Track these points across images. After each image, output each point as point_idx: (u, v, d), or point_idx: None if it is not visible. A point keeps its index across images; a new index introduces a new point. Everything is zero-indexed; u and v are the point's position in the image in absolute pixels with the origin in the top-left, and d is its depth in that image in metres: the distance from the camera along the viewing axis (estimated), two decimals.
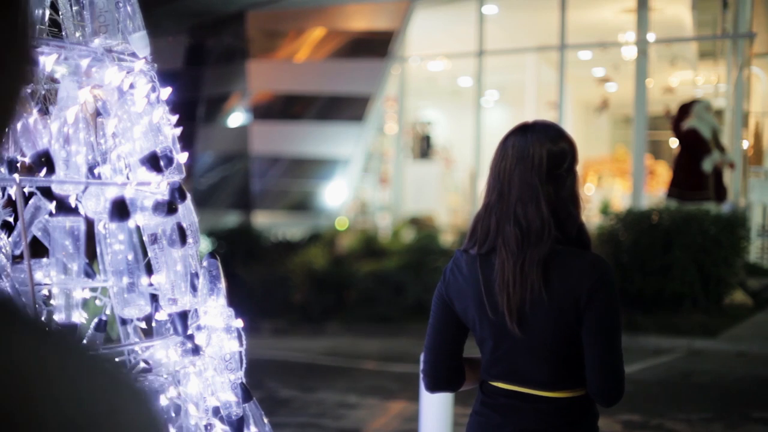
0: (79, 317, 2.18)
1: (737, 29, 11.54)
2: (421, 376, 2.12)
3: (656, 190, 13.96)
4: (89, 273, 2.29)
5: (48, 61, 2.07)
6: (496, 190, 1.99)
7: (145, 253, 2.23)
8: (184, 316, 2.23)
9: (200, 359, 2.22)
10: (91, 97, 2.19)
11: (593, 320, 1.91)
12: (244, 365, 2.27)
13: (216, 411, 2.23)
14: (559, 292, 1.93)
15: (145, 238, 2.21)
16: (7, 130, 0.54)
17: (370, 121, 13.39)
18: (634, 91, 11.20)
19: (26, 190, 2.13)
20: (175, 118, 2.29)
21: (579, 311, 1.91)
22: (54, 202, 2.14)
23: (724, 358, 7.61)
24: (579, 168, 2.07)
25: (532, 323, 1.94)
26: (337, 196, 13.37)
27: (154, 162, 2.16)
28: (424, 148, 16.70)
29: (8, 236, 2.14)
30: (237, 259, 10.64)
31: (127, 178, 2.18)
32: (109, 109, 2.19)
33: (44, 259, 2.20)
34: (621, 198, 15.01)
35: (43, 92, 2.14)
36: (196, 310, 2.24)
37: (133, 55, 2.23)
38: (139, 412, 0.50)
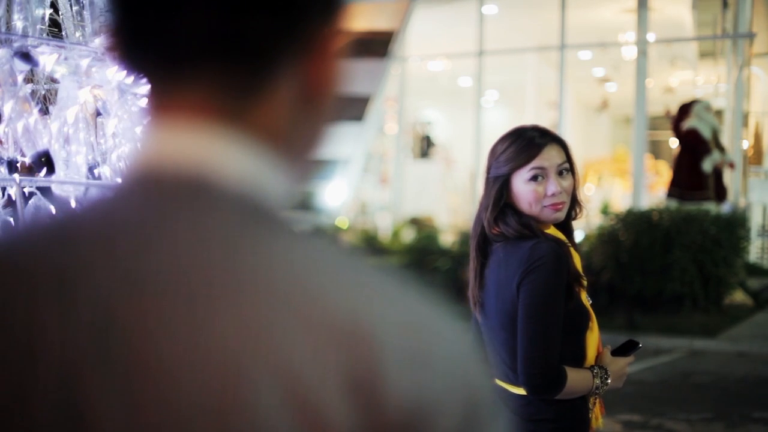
0: None
1: (737, 29, 11.54)
2: None
3: (659, 191, 13.95)
4: None
5: (48, 61, 2.07)
6: None
7: None
8: None
9: None
10: (91, 97, 2.19)
11: (521, 304, 1.95)
12: None
13: None
14: (502, 282, 2.00)
15: None
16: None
17: (370, 121, 13.39)
18: (634, 91, 11.19)
19: (26, 190, 2.12)
20: None
21: (516, 300, 1.97)
22: (54, 203, 2.13)
23: (724, 358, 7.61)
24: (579, 168, 2.11)
25: (488, 313, 2.05)
26: (337, 196, 13.36)
27: None
28: (424, 148, 16.69)
29: None
30: None
31: None
32: (109, 109, 2.19)
33: None
34: (621, 198, 15.00)
35: (43, 92, 2.14)
36: None
37: None
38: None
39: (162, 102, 0.61)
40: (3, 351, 0.55)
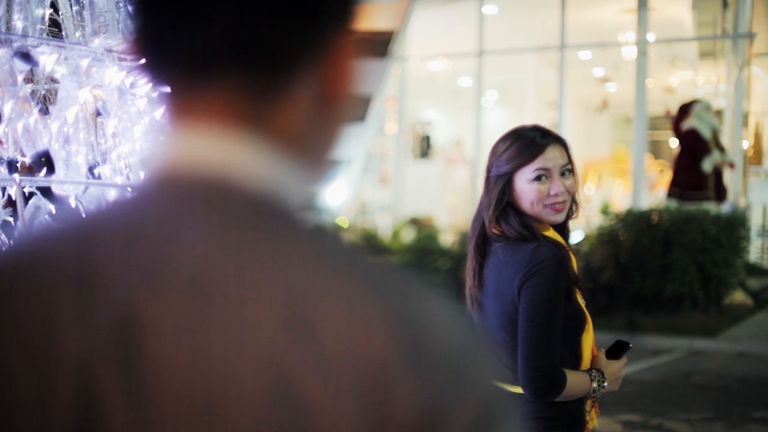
0: None
1: (737, 29, 11.54)
2: None
3: (662, 190, 13.95)
4: None
5: (48, 61, 2.07)
6: None
7: None
8: None
9: None
10: (91, 97, 2.19)
11: (522, 308, 1.96)
12: None
13: None
14: (502, 284, 2.00)
15: None
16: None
17: (371, 121, 13.38)
18: (634, 91, 11.19)
19: (26, 190, 2.12)
20: None
21: (517, 302, 1.97)
22: (54, 202, 2.14)
23: (724, 358, 7.61)
24: (579, 168, 2.11)
25: (486, 313, 2.05)
26: (337, 196, 13.36)
27: None
28: (424, 148, 16.69)
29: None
30: None
31: (128, 178, 2.18)
32: (109, 109, 2.19)
33: None
34: (621, 198, 14.99)
35: (43, 92, 2.14)
36: None
37: None
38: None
39: (183, 106, 0.62)
40: (22, 353, 0.56)
